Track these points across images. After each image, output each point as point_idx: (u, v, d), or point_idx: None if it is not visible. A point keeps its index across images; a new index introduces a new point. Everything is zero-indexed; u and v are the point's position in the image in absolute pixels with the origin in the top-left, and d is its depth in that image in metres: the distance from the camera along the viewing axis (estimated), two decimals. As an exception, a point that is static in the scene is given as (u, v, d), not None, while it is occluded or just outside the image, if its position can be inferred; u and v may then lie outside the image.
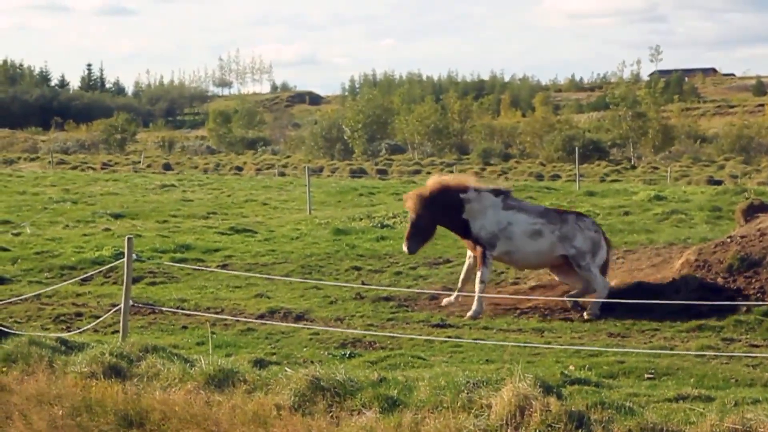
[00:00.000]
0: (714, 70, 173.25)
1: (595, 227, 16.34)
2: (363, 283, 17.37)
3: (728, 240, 16.28)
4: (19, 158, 72.75)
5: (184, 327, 14.53)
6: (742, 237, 16.11)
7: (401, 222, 26.13)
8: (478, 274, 15.80)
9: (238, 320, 14.49)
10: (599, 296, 15.50)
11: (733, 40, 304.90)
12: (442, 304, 15.80)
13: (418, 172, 60.78)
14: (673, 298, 14.81)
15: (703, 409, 8.60)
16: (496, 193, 16.19)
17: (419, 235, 16.10)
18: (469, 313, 15.31)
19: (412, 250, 16.30)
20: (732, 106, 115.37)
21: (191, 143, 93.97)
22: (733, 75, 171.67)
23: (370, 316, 15.07)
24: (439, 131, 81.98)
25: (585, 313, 15.15)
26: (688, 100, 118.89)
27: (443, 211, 15.98)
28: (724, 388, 10.34)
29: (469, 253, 16.28)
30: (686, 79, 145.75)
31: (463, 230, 16.09)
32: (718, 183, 46.16)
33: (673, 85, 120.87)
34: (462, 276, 16.27)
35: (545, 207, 16.63)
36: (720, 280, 15.41)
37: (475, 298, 15.48)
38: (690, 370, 11.26)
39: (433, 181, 16.42)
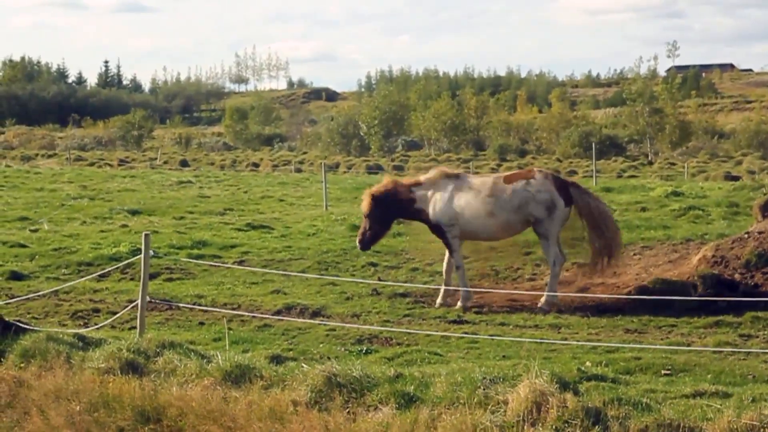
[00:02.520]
0: (732, 66, 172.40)
1: (546, 185, 15.95)
2: (379, 279, 17.39)
3: (746, 236, 16.23)
4: (36, 155, 72.95)
5: (201, 323, 14.56)
6: (760, 233, 16.06)
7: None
8: (451, 261, 16.06)
9: (254, 316, 14.51)
10: (552, 271, 15.68)
11: (750, 35, 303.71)
12: (436, 306, 15.77)
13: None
14: (690, 294, 14.79)
15: (721, 405, 8.57)
16: (447, 177, 16.33)
17: (371, 231, 16.45)
18: (459, 303, 15.52)
19: (364, 247, 16.80)
20: (749, 102, 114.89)
21: (208, 140, 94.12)
22: (750, 70, 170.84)
23: (386, 312, 15.07)
24: (455, 127, 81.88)
25: (538, 307, 15.30)
26: (706, 95, 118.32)
27: (396, 207, 16.34)
28: (742, 384, 10.31)
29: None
30: (703, 74, 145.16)
31: (423, 219, 16.37)
32: (736, 179, 45.92)
33: (691, 80, 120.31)
34: (444, 268, 16.34)
35: (495, 180, 16.28)
36: (737, 276, 15.36)
37: (460, 285, 15.71)
38: (707, 367, 11.23)
39: (386, 180, 16.80)
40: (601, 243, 16.15)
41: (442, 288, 15.97)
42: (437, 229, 16.24)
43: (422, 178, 16.62)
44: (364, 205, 16.51)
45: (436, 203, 16.13)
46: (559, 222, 15.93)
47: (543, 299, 15.45)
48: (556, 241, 15.98)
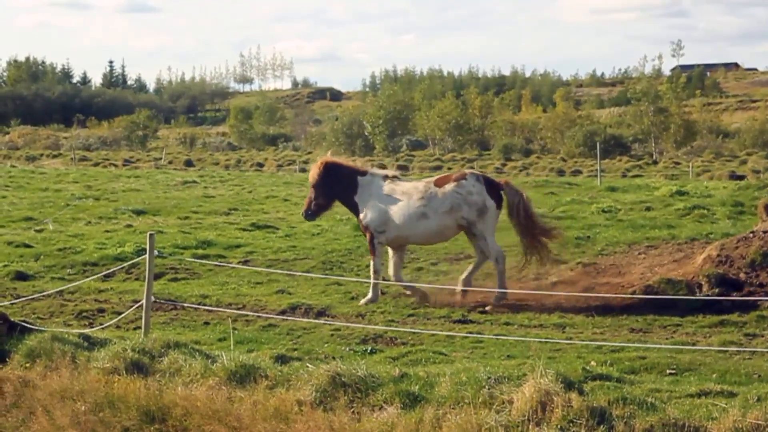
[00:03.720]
0: (736, 65, 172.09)
1: (477, 187, 16.01)
2: (384, 279, 17.39)
3: (750, 235, 16.21)
4: (41, 155, 73.04)
5: (206, 323, 14.57)
6: (765, 232, 16.04)
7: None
8: (371, 264, 16.23)
9: (259, 316, 14.52)
10: (498, 269, 15.86)
11: (755, 34, 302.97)
12: (417, 302, 15.85)
13: (439, 167, 60.71)
14: (695, 293, 14.78)
15: (726, 404, 8.57)
16: (384, 178, 16.43)
17: (317, 201, 16.63)
18: (363, 300, 15.67)
19: (309, 217, 17.05)
20: (754, 101, 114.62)
21: (212, 140, 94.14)
22: (755, 69, 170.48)
23: (391, 312, 15.08)
24: (460, 127, 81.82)
25: (487, 307, 15.37)
26: (710, 95, 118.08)
27: (340, 186, 16.43)
28: (747, 383, 10.30)
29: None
30: (708, 73, 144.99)
31: (355, 213, 16.53)
32: (741, 178, 45.93)
33: (695, 80, 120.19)
34: (392, 272, 16.41)
35: (426, 183, 16.34)
36: (742, 276, 15.35)
37: (371, 286, 15.86)
38: (712, 366, 11.22)
39: (338, 157, 17.17)
40: (528, 242, 16.33)
41: (418, 286, 16.06)
42: (365, 230, 16.43)
43: (370, 170, 16.85)
44: (313, 173, 16.71)
45: (369, 206, 16.24)
46: (491, 222, 16.06)
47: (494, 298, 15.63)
48: (490, 239, 16.09)
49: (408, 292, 16.10)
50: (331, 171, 16.54)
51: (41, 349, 11.33)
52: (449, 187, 16.02)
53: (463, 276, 16.15)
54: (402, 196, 16.09)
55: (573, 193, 33.85)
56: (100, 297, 16.50)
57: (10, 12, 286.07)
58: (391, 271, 16.41)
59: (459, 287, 15.85)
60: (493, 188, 16.15)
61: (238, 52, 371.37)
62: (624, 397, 8.55)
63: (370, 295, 15.79)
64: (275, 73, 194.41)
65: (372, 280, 15.94)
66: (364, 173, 16.55)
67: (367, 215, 16.20)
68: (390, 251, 16.51)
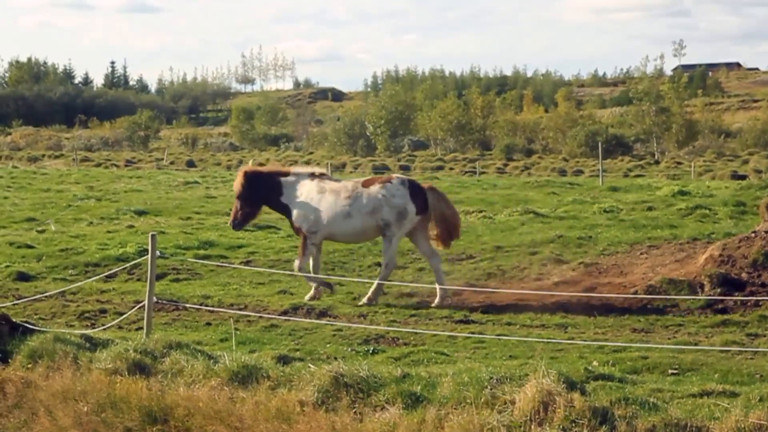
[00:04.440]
0: (738, 65, 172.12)
1: (401, 191, 16.16)
2: (443, 283, 17.35)
3: (753, 235, 16.21)
4: (43, 156, 73.10)
5: (208, 323, 14.57)
6: (767, 232, 16.04)
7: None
8: (296, 262, 16.41)
9: (261, 316, 14.52)
10: (384, 271, 16.07)
11: (757, 34, 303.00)
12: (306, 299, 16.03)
13: (440, 168, 60.75)
14: (698, 293, 14.78)
15: (728, 404, 8.56)
16: (312, 176, 16.59)
17: (242, 213, 16.76)
18: (307, 297, 15.86)
19: (236, 227, 17.18)
20: (756, 101, 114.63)
21: (214, 140, 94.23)
22: (757, 69, 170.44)
23: (393, 312, 15.08)
24: (461, 127, 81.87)
25: (363, 299, 15.69)
26: (712, 94, 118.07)
27: (265, 192, 16.58)
28: (749, 383, 10.29)
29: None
30: (710, 73, 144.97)
31: (287, 215, 16.66)
32: (743, 178, 45.93)
33: (697, 79, 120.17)
34: (312, 269, 16.53)
35: (354, 183, 16.56)
36: (744, 276, 15.35)
37: (312, 286, 16.04)
38: (714, 366, 11.22)
39: (259, 165, 17.18)
40: (442, 240, 16.51)
41: (375, 283, 16.12)
42: (297, 231, 16.61)
43: (292, 169, 17.04)
44: (236, 184, 16.83)
45: (299, 206, 16.39)
46: (407, 227, 16.20)
47: (368, 293, 15.84)
48: (425, 246, 16.35)
49: (312, 285, 16.23)
50: (253, 179, 16.71)
51: (43, 350, 11.33)
52: (374, 189, 16.24)
53: (436, 280, 16.19)
54: (330, 194, 16.31)
55: (575, 193, 33.85)
56: (102, 298, 16.50)
57: (12, 12, 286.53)
58: (312, 270, 16.54)
59: (438, 293, 15.90)
60: (416, 193, 16.28)
61: (239, 53, 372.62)
62: (626, 397, 8.55)
63: (312, 292, 15.98)
64: (277, 74, 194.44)
65: (305, 278, 16.22)
66: (286, 174, 16.77)
67: (299, 216, 16.39)
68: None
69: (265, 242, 22.23)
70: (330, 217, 16.16)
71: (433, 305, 15.54)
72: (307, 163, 63.75)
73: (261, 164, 17.62)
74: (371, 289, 15.88)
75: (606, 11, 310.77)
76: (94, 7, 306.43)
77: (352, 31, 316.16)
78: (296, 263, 16.41)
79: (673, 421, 8.10)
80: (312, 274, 16.28)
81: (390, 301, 15.92)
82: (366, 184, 16.39)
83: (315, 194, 16.32)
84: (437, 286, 15.82)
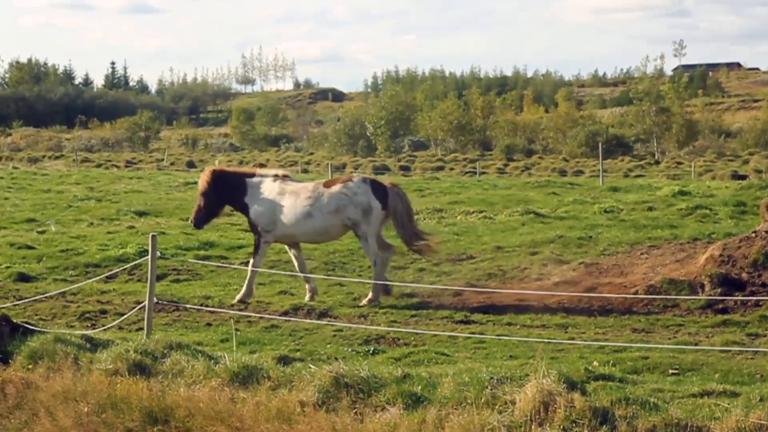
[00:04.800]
0: (738, 65, 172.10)
1: (362, 188, 16.43)
2: (386, 280, 17.39)
3: (753, 235, 16.20)
4: (43, 156, 73.13)
5: (208, 324, 14.58)
6: (767, 232, 16.03)
7: (424, 218, 26.15)
8: (251, 261, 16.61)
9: (261, 317, 14.53)
10: (375, 272, 16.14)
11: (757, 33, 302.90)
12: (306, 299, 16.15)
13: (441, 168, 60.76)
14: (698, 293, 14.78)
15: (728, 404, 8.56)
16: (275, 178, 16.79)
17: (205, 211, 16.97)
18: (238, 296, 16.05)
19: (198, 225, 17.30)
20: (756, 101, 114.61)
21: (214, 141, 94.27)
22: (757, 69, 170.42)
23: (393, 313, 15.08)
24: (462, 127, 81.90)
25: (363, 300, 15.82)
26: (712, 94, 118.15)
27: (230, 191, 16.78)
28: (750, 383, 10.30)
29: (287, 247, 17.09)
30: (710, 73, 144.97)
31: (246, 213, 16.83)
32: (743, 178, 45.92)
33: (697, 79, 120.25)
34: (297, 268, 16.81)
35: (315, 184, 16.83)
36: (745, 276, 15.34)
37: (245, 283, 16.20)
38: (715, 366, 11.22)
39: (225, 166, 17.11)
40: (408, 234, 16.75)
41: (308, 287, 16.33)
42: (253, 228, 16.78)
43: (258, 171, 17.25)
44: (202, 182, 17.00)
45: (259, 203, 16.57)
46: (375, 224, 16.41)
47: (369, 295, 15.97)
48: (378, 239, 16.50)
49: (308, 290, 16.34)
50: (219, 179, 16.90)
51: (44, 351, 11.33)
52: (336, 188, 16.46)
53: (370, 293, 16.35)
54: (290, 195, 16.49)
55: (575, 193, 33.84)
56: (102, 298, 16.51)
57: (13, 13, 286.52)
58: (297, 268, 16.77)
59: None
60: (378, 190, 16.52)
61: (240, 53, 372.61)
62: (627, 398, 8.54)
63: (244, 289, 16.15)
64: (277, 74, 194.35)
65: (247, 279, 16.26)
66: (252, 175, 16.97)
67: (255, 214, 16.58)
68: (289, 250, 17.03)
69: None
70: (290, 218, 16.36)
71: (363, 302, 15.79)
72: (307, 163, 63.86)
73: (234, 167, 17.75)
74: (373, 286, 15.94)
75: (606, 11, 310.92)
76: (95, 7, 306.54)
77: (352, 31, 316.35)
78: (251, 262, 16.62)
79: (673, 421, 8.10)
80: (257, 270, 16.46)
81: (390, 301, 15.92)
82: (327, 185, 16.66)
83: (276, 194, 16.54)
84: (381, 281, 16.11)
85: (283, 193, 16.50)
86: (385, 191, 16.54)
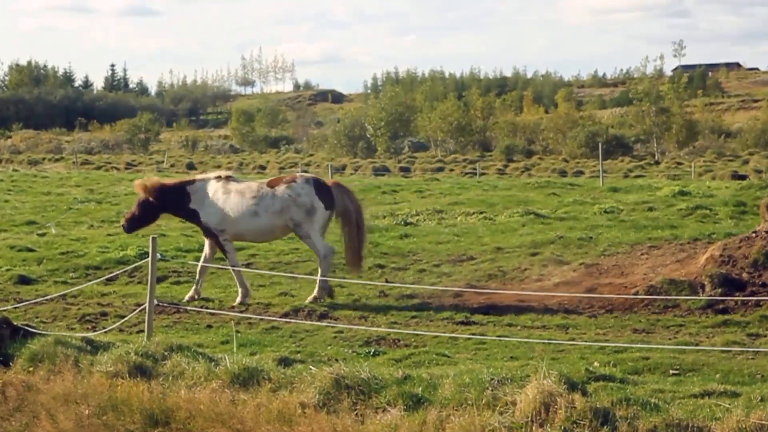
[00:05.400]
0: (738, 65, 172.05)
1: (306, 189, 16.59)
2: (387, 281, 17.40)
3: (753, 235, 16.21)
4: (43, 159, 73.10)
5: (209, 326, 14.58)
6: (767, 232, 16.04)
7: (425, 219, 26.14)
8: (228, 260, 16.84)
9: (262, 319, 14.53)
10: (322, 265, 16.34)
11: (757, 34, 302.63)
12: (185, 299, 16.27)
13: (441, 169, 60.73)
14: (698, 293, 14.78)
15: (729, 404, 8.57)
16: (217, 179, 16.97)
17: (140, 219, 17.27)
18: (238, 299, 16.14)
19: (129, 231, 17.70)
20: (756, 101, 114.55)
21: (214, 142, 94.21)
22: (757, 69, 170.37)
23: (393, 314, 15.08)
24: (461, 128, 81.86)
25: (309, 298, 15.99)
26: (712, 94, 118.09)
27: (171, 201, 16.98)
28: (750, 383, 10.30)
29: (207, 242, 17.15)
30: (710, 73, 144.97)
31: (195, 219, 17.00)
32: (743, 178, 45.89)
33: (697, 80, 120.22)
34: (198, 268, 16.89)
35: (260, 184, 17.00)
36: (745, 276, 15.34)
37: (237, 284, 16.35)
38: (715, 366, 11.22)
39: (163, 178, 18.27)
40: (350, 240, 16.87)
41: (194, 286, 16.56)
42: (207, 231, 16.87)
43: (197, 177, 17.43)
44: (142, 191, 17.13)
45: (206, 206, 16.73)
46: (319, 223, 16.61)
47: (314, 292, 16.15)
48: (322, 237, 16.72)
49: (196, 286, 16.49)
50: (159, 191, 17.07)
51: (44, 353, 11.34)
52: (280, 189, 16.61)
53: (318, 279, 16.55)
54: (236, 194, 16.68)
55: (575, 193, 33.81)
56: (103, 300, 16.51)
57: (13, 15, 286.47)
58: (199, 268, 16.85)
59: (315, 292, 16.32)
60: (322, 190, 16.68)
61: (239, 55, 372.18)
62: (627, 398, 8.55)
63: (240, 290, 16.24)
64: (277, 76, 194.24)
65: (236, 277, 16.39)
66: (192, 182, 17.16)
67: (206, 217, 16.74)
68: (206, 242, 17.13)
69: (266, 244, 22.19)
70: (236, 216, 16.53)
71: (308, 300, 15.95)
72: (307, 165, 63.84)
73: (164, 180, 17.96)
74: (319, 281, 16.13)
75: (606, 12, 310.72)
76: (94, 10, 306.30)
77: (351, 32, 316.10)
78: (228, 261, 16.82)
79: (674, 421, 8.10)
80: (238, 266, 16.65)
81: (391, 302, 15.92)
82: (271, 184, 16.80)
83: (221, 195, 16.71)
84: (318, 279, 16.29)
85: (229, 193, 16.68)
86: (329, 191, 16.72)
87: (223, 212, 16.57)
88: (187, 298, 16.35)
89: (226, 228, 16.57)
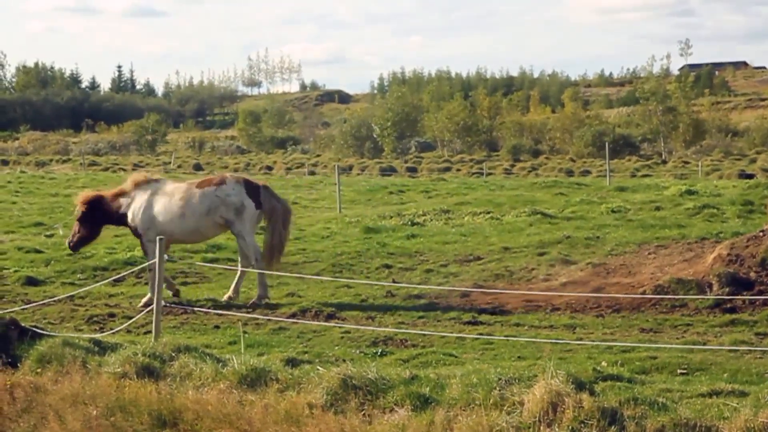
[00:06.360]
0: (745, 64, 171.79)
1: (236, 189, 16.78)
2: (394, 281, 17.41)
3: (761, 234, 16.19)
4: (51, 160, 73.18)
5: (216, 326, 14.59)
6: (775, 231, 16.02)
7: (432, 219, 26.14)
8: (148, 263, 16.65)
9: (269, 319, 14.53)
10: (258, 266, 16.43)
11: (763, 32, 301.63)
12: (140, 305, 16.20)
13: (447, 169, 60.73)
14: (706, 293, 14.76)
15: (737, 404, 8.55)
16: (147, 182, 17.18)
17: (85, 236, 17.44)
18: (144, 299, 16.20)
19: (75, 249, 17.91)
20: (763, 99, 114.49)
21: (221, 143, 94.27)
22: (764, 68, 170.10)
23: (401, 314, 15.07)
24: (468, 128, 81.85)
25: (253, 299, 16.22)
26: (719, 93, 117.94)
27: (107, 212, 17.24)
28: (758, 383, 10.28)
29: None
30: (716, 72, 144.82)
31: (126, 224, 17.23)
32: (750, 177, 45.86)
33: (704, 79, 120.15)
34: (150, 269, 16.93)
35: (189, 185, 17.19)
36: (753, 275, 15.33)
37: (149, 286, 16.44)
38: (723, 365, 11.21)
39: (97, 190, 18.49)
40: (275, 239, 17.01)
41: (148, 296, 16.37)
42: (135, 233, 17.13)
43: (126, 185, 17.47)
44: (78, 210, 17.43)
45: (135, 209, 16.96)
46: (250, 222, 16.80)
47: (258, 292, 16.36)
48: (249, 238, 16.81)
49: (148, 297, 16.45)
50: (94, 203, 17.28)
51: (52, 354, 11.34)
52: (209, 189, 16.80)
53: (232, 285, 16.70)
54: (165, 196, 16.90)
55: (582, 193, 33.81)
56: (110, 302, 16.54)
57: (19, 17, 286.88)
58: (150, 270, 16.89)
59: (228, 295, 16.54)
60: (251, 190, 16.89)
61: (246, 56, 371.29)
62: (635, 398, 8.53)
63: (149, 294, 16.26)
64: (283, 76, 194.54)
65: (150, 281, 16.43)
66: (123, 192, 17.31)
67: (133, 218, 16.96)
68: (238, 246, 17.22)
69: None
70: (164, 218, 16.73)
71: (252, 301, 16.18)
72: (314, 165, 63.85)
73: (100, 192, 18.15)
74: (258, 286, 16.25)
75: (612, 11, 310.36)
76: (101, 11, 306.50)
77: (358, 33, 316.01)
78: (149, 263, 16.69)
79: (682, 421, 8.09)
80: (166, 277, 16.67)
81: (398, 303, 15.92)
82: (200, 185, 16.97)
83: (150, 197, 16.92)
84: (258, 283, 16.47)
85: (158, 195, 16.90)
86: (258, 191, 16.91)
87: (151, 215, 16.78)
88: (225, 298, 16.47)
89: (153, 229, 16.73)
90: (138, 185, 17.10)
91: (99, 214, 17.28)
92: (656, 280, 15.90)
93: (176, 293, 16.82)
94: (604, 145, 50.52)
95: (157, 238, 12.75)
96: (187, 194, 16.74)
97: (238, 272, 16.66)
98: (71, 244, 17.56)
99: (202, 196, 16.66)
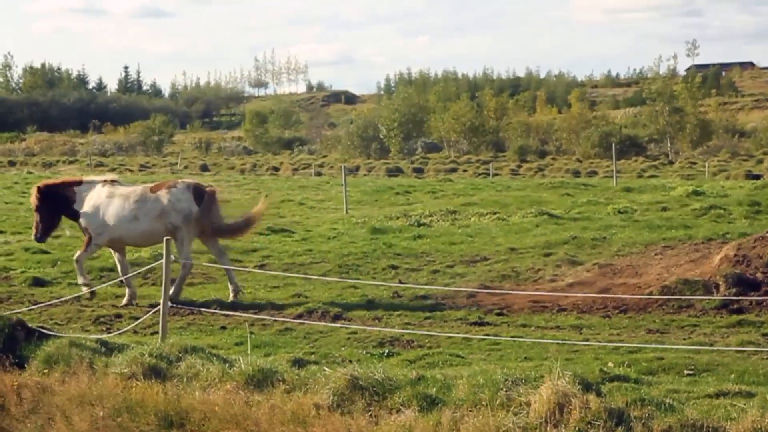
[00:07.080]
0: (752, 64, 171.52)
1: (186, 195, 16.87)
2: (400, 282, 17.41)
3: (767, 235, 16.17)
4: (58, 161, 73.32)
5: (223, 327, 14.59)
6: (782, 231, 16.00)
7: (438, 220, 26.14)
8: (76, 254, 17.16)
9: (276, 320, 14.53)
10: (183, 271, 16.70)
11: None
12: (123, 303, 16.36)
13: (454, 170, 60.74)
14: (713, 293, 14.74)
15: (744, 405, 8.54)
16: (103, 183, 17.21)
17: (43, 224, 17.34)
18: (81, 283, 16.76)
19: (40, 239, 17.84)
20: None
21: (228, 144, 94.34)
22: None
23: (407, 315, 15.06)
24: (475, 129, 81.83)
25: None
26: (726, 94, 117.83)
27: (60, 202, 17.16)
28: (765, 383, 10.27)
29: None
30: (723, 73, 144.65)
31: (78, 221, 17.20)
32: (757, 177, 45.82)
33: (711, 79, 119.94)
34: (120, 272, 17.08)
35: (143, 188, 17.23)
36: (759, 275, 15.31)
37: (78, 277, 16.85)
38: (730, 366, 11.19)
39: (50, 179, 18.36)
40: (212, 245, 17.32)
41: (128, 291, 16.55)
42: (86, 232, 17.16)
43: (86, 178, 17.64)
44: (32, 199, 17.47)
45: (86, 210, 16.97)
46: (196, 229, 16.89)
47: (172, 289, 16.13)
48: (187, 246, 16.86)
49: (127, 295, 16.59)
50: (47, 192, 17.25)
51: (59, 355, 11.35)
52: (161, 193, 16.86)
53: (229, 285, 16.72)
54: (118, 199, 16.92)
55: (589, 194, 33.81)
56: (117, 302, 16.54)
57: (26, 19, 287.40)
58: (120, 273, 17.00)
59: (231, 294, 16.59)
60: (201, 197, 16.98)
61: (252, 56, 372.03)
62: (642, 398, 8.52)
63: (81, 280, 16.76)
64: (290, 77, 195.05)
65: (78, 273, 16.88)
66: (79, 183, 17.36)
67: (85, 218, 16.96)
68: (114, 255, 17.41)
69: (279, 246, 22.25)
70: (117, 221, 16.76)
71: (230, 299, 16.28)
72: (321, 166, 63.89)
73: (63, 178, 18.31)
74: (173, 292, 16.00)
75: (618, 11, 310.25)
76: (107, 12, 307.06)
77: (364, 33, 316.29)
78: (76, 254, 17.10)
79: (689, 421, 8.08)
80: (83, 270, 16.99)
81: (404, 303, 15.92)
82: (153, 189, 17.03)
83: (104, 199, 16.94)
84: (229, 286, 16.56)
85: (112, 197, 16.92)
86: (207, 197, 17.04)
87: (103, 217, 16.82)
88: (125, 302, 16.50)
89: (104, 232, 16.83)
90: (94, 185, 17.12)
91: (57, 205, 17.21)
92: (663, 280, 15.89)
93: (93, 293, 16.80)
94: (611, 146, 50.54)
95: (165, 238, 12.74)
96: (141, 198, 16.80)
97: (225, 271, 16.82)
98: (36, 236, 17.61)
99: (155, 200, 16.73)
